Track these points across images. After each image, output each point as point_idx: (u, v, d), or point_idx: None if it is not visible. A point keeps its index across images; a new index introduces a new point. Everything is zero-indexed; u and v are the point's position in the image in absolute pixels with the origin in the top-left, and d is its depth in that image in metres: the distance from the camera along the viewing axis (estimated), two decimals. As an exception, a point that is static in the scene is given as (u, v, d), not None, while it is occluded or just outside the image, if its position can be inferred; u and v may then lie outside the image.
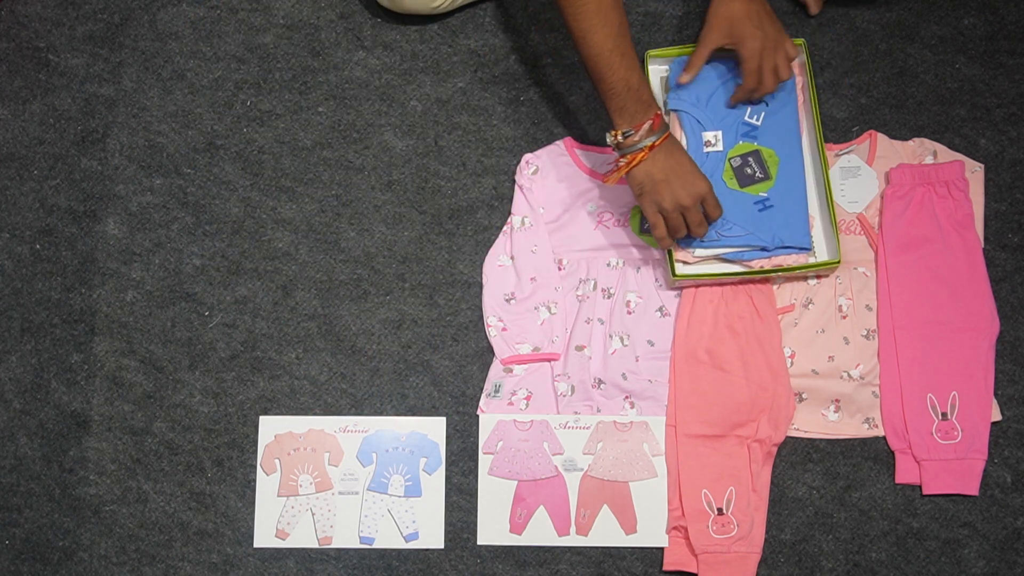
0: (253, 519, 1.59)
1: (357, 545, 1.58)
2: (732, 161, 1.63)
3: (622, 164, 1.52)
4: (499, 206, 1.70)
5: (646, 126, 1.49)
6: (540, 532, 1.58)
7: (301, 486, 1.60)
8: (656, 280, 1.65)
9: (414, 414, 1.63)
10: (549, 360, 1.63)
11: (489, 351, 1.64)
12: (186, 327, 1.66)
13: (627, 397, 1.61)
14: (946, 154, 1.69)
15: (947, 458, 1.58)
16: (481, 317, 1.65)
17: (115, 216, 1.70)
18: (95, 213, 1.70)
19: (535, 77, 1.74)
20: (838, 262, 1.60)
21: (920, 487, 1.59)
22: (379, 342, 1.65)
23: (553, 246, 1.66)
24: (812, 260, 1.63)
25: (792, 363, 1.61)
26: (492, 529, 1.58)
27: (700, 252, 1.60)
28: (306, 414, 1.63)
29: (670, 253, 1.60)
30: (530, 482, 1.59)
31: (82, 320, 1.66)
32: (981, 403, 1.59)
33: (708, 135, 1.63)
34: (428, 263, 1.68)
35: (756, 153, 1.63)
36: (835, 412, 1.61)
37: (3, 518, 1.60)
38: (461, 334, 1.65)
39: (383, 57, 1.75)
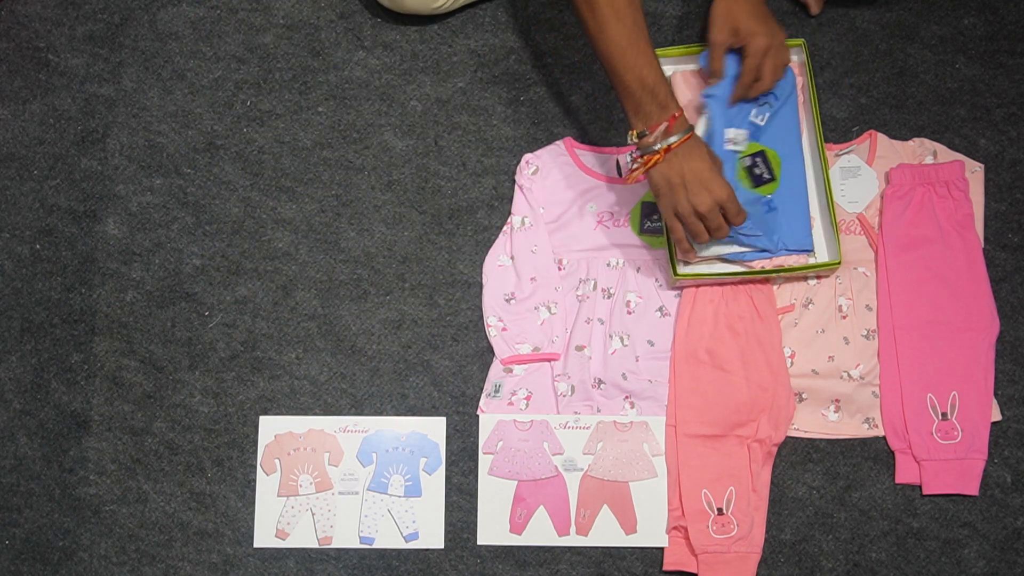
0: (253, 519, 1.59)
1: (357, 545, 1.58)
2: (743, 161, 1.63)
3: (638, 165, 1.49)
4: (499, 206, 1.70)
5: (661, 128, 1.46)
6: (540, 532, 1.58)
7: (301, 486, 1.60)
8: (656, 280, 1.65)
9: (414, 414, 1.63)
10: (549, 360, 1.63)
11: (489, 351, 1.64)
12: (186, 327, 1.66)
13: (627, 397, 1.61)
14: (946, 154, 1.69)
15: (947, 458, 1.58)
16: (481, 317, 1.65)
17: (115, 216, 1.70)
18: (95, 213, 1.70)
19: (535, 77, 1.74)
20: (838, 263, 1.60)
21: (920, 487, 1.59)
22: (379, 342, 1.65)
23: (553, 246, 1.66)
24: (812, 260, 1.63)
25: (792, 363, 1.61)
26: (492, 529, 1.58)
27: (710, 251, 1.59)
28: (306, 414, 1.63)
29: (671, 253, 1.60)
30: (530, 482, 1.59)
31: (82, 320, 1.66)
32: (981, 403, 1.59)
33: (731, 132, 1.61)
34: (428, 263, 1.68)
35: (762, 154, 1.63)
36: (835, 412, 1.61)
37: (3, 518, 1.60)
38: (461, 334, 1.65)
39: (383, 57, 1.75)
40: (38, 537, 1.60)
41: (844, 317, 1.63)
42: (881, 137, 1.70)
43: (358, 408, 1.63)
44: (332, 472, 1.60)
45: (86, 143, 1.72)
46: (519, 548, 1.58)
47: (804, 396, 1.61)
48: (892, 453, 1.60)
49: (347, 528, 1.59)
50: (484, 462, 1.60)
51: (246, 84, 1.74)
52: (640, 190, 1.69)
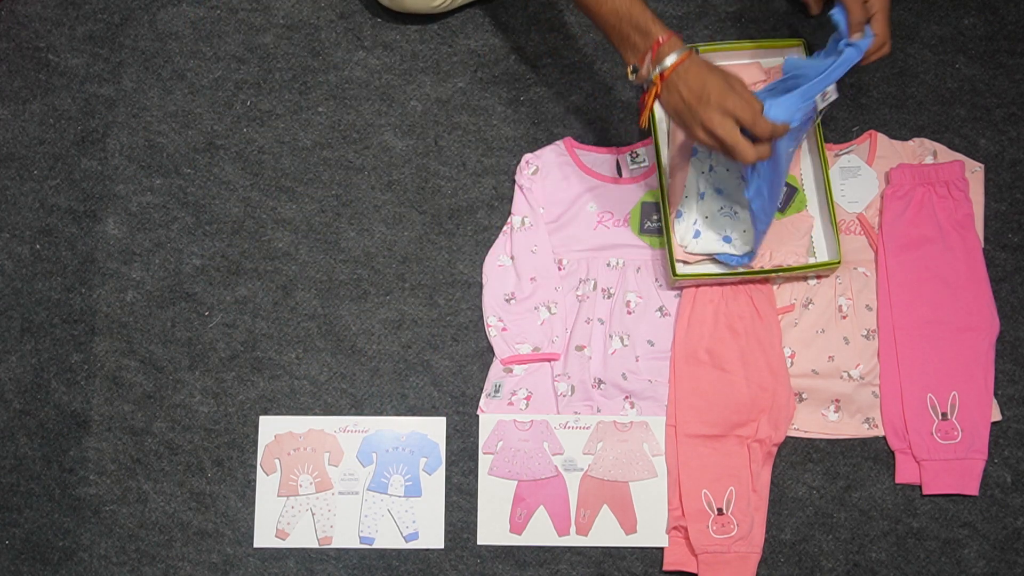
0: (253, 519, 1.59)
1: (357, 545, 1.58)
2: None
3: (644, 105, 1.41)
4: (499, 206, 1.70)
5: (648, 56, 1.38)
6: (540, 532, 1.58)
7: (301, 486, 1.60)
8: (656, 280, 1.65)
9: (414, 414, 1.63)
10: (549, 360, 1.63)
11: (489, 351, 1.64)
12: (186, 327, 1.66)
13: (627, 397, 1.61)
14: (946, 154, 1.69)
15: (947, 458, 1.58)
16: (481, 317, 1.65)
17: (115, 216, 1.70)
18: (95, 213, 1.70)
19: (535, 77, 1.74)
20: (838, 262, 1.60)
21: (920, 487, 1.59)
22: (379, 342, 1.65)
23: (553, 246, 1.66)
24: (812, 260, 1.63)
25: (792, 363, 1.61)
26: (492, 529, 1.58)
27: (703, 246, 1.56)
28: (306, 414, 1.63)
29: (670, 253, 1.60)
30: (530, 482, 1.59)
31: (82, 320, 1.66)
32: (981, 403, 1.59)
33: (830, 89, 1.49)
34: (428, 263, 1.68)
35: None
36: (835, 412, 1.61)
37: (3, 518, 1.60)
38: (461, 334, 1.65)
39: (383, 57, 1.75)
40: (38, 537, 1.60)
41: (844, 317, 1.62)
42: (881, 137, 1.70)
43: (358, 408, 1.63)
44: (332, 472, 1.60)
45: (86, 143, 1.72)
46: (519, 548, 1.58)
47: (804, 396, 1.61)
48: (892, 453, 1.60)
49: (347, 528, 1.59)
50: (484, 462, 1.60)
51: (246, 84, 1.74)
52: (640, 190, 1.69)
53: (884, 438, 1.61)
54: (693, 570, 1.56)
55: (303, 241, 1.69)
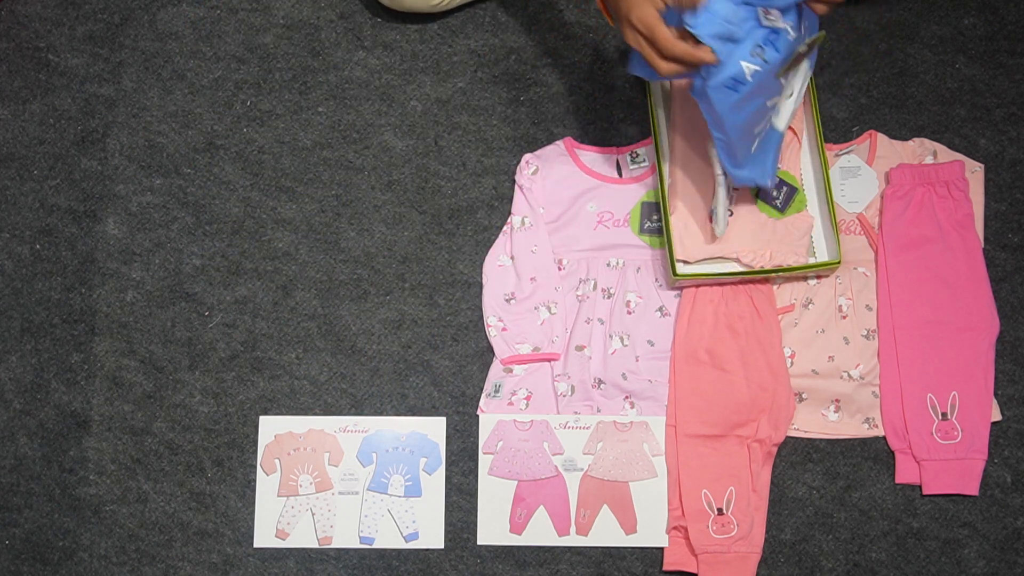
0: (253, 519, 1.59)
1: (357, 545, 1.58)
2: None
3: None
4: (499, 206, 1.70)
5: None
6: (540, 532, 1.58)
7: (301, 486, 1.60)
8: (656, 280, 1.65)
9: (414, 414, 1.63)
10: (549, 360, 1.63)
11: (489, 351, 1.64)
12: (186, 327, 1.66)
13: (627, 397, 1.61)
14: (946, 154, 1.69)
15: (947, 458, 1.58)
16: (481, 317, 1.65)
17: (115, 216, 1.70)
18: (95, 213, 1.70)
19: (535, 77, 1.74)
20: (838, 262, 1.60)
21: (920, 487, 1.59)
22: (379, 342, 1.65)
23: (553, 246, 1.66)
24: (812, 260, 1.63)
25: (792, 363, 1.61)
26: (492, 529, 1.58)
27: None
28: (306, 414, 1.63)
29: (671, 253, 1.60)
30: (530, 482, 1.59)
31: (82, 320, 1.66)
32: (981, 403, 1.59)
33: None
34: (428, 263, 1.68)
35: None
36: (835, 412, 1.61)
37: (3, 518, 1.60)
38: (461, 334, 1.65)
39: (383, 57, 1.75)
40: (38, 537, 1.60)
41: (844, 317, 1.63)
42: (881, 137, 1.70)
43: (358, 408, 1.63)
44: (332, 472, 1.60)
45: (86, 143, 1.72)
46: (519, 548, 1.58)
47: (804, 396, 1.61)
48: (892, 453, 1.60)
49: (347, 528, 1.59)
50: (484, 462, 1.60)
51: (246, 84, 1.74)
52: (640, 190, 1.69)
53: (884, 438, 1.61)
54: (693, 570, 1.56)
55: (303, 241, 1.69)
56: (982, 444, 1.58)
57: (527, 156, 1.69)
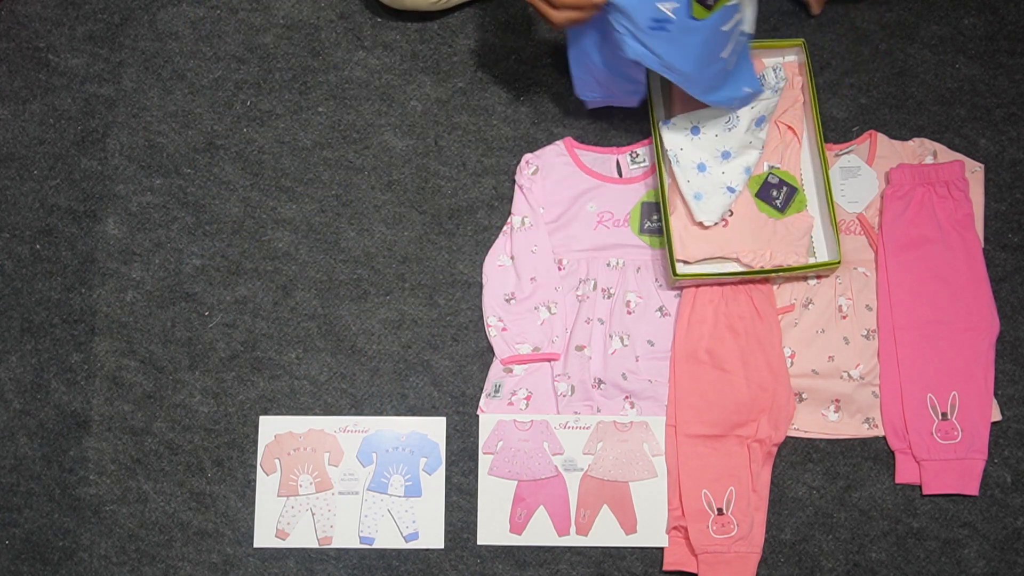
0: (253, 519, 1.59)
1: (357, 545, 1.58)
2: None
3: None
4: (499, 206, 1.70)
5: None
6: (540, 532, 1.58)
7: (301, 486, 1.60)
8: (656, 280, 1.65)
9: (414, 414, 1.63)
10: (549, 360, 1.63)
11: (489, 351, 1.64)
12: (186, 327, 1.66)
13: (627, 397, 1.61)
14: (946, 154, 1.69)
15: (947, 458, 1.58)
16: (481, 317, 1.65)
17: (115, 216, 1.70)
18: (95, 213, 1.70)
19: (535, 77, 1.74)
20: (838, 262, 1.60)
21: (920, 487, 1.59)
22: (379, 342, 1.65)
23: (553, 246, 1.66)
24: (812, 260, 1.63)
25: (792, 363, 1.61)
26: (492, 529, 1.58)
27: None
28: (306, 414, 1.63)
29: (670, 253, 1.60)
30: (530, 482, 1.59)
31: (82, 320, 1.66)
32: (981, 403, 1.59)
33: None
34: (428, 263, 1.68)
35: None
36: (835, 412, 1.61)
37: (3, 518, 1.60)
38: (461, 334, 1.65)
39: (383, 57, 1.75)
40: (38, 537, 1.60)
41: (844, 317, 1.63)
42: (881, 137, 1.70)
43: (358, 408, 1.63)
44: (332, 472, 1.60)
45: (86, 143, 1.72)
46: (519, 548, 1.58)
47: (804, 396, 1.61)
48: (892, 453, 1.60)
49: (347, 528, 1.59)
50: (484, 462, 1.60)
51: (246, 84, 1.74)
52: (640, 190, 1.69)
53: (884, 438, 1.61)
54: (693, 570, 1.56)
55: (303, 241, 1.69)
56: (982, 444, 1.58)
57: (527, 156, 1.69)
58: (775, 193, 1.64)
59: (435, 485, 1.60)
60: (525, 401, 1.61)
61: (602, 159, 1.70)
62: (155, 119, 1.73)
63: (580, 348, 1.61)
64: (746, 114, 1.60)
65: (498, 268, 1.67)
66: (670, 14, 1.38)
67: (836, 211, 1.63)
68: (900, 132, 1.71)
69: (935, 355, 1.60)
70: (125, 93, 1.75)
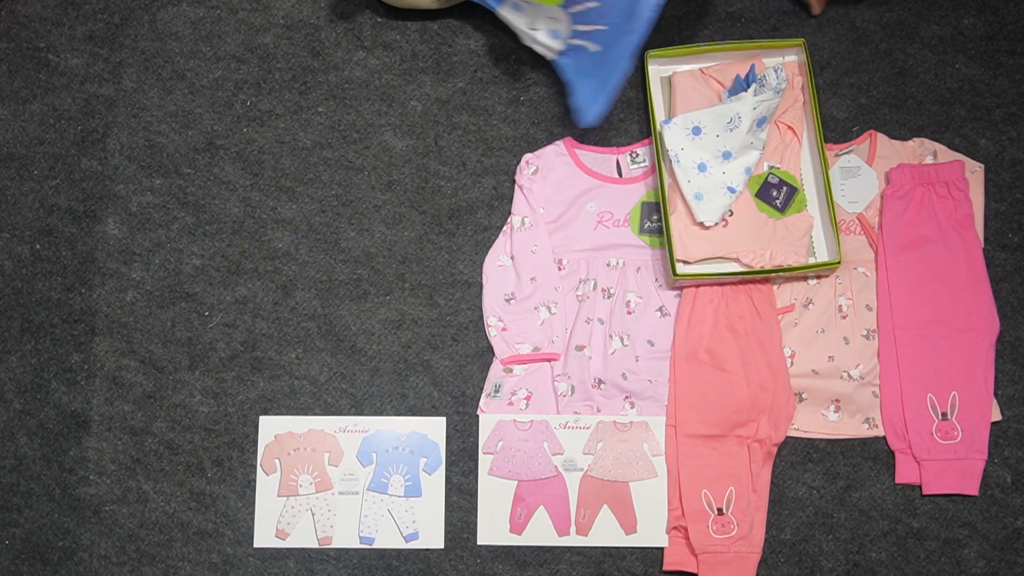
0: (253, 519, 1.59)
1: (357, 545, 1.58)
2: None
3: None
4: (499, 206, 1.70)
5: None
6: (540, 532, 1.58)
7: (301, 486, 1.60)
8: (656, 280, 1.65)
9: (414, 414, 1.63)
10: (549, 360, 1.63)
11: (489, 351, 1.64)
12: (186, 327, 1.66)
13: (627, 397, 1.61)
14: (946, 154, 1.69)
15: (947, 458, 1.58)
16: (481, 317, 1.65)
17: (115, 216, 1.70)
18: (95, 213, 1.70)
19: (535, 77, 1.74)
20: (838, 262, 1.60)
21: (920, 487, 1.59)
22: (379, 342, 1.65)
23: (553, 246, 1.66)
24: (812, 260, 1.64)
25: (792, 363, 1.61)
26: (492, 529, 1.58)
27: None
28: (306, 414, 1.63)
29: (670, 253, 1.60)
30: (530, 482, 1.59)
31: (82, 320, 1.66)
32: (981, 403, 1.59)
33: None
34: (428, 263, 1.68)
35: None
36: (835, 412, 1.61)
37: (3, 518, 1.60)
38: (461, 334, 1.65)
39: (383, 57, 1.75)
40: (38, 537, 1.60)
41: (844, 317, 1.63)
42: (881, 137, 1.70)
43: (358, 408, 1.63)
44: (332, 472, 1.60)
45: (86, 143, 1.72)
46: (519, 548, 1.58)
47: (804, 396, 1.61)
48: (892, 453, 1.60)
49: (347, 528, 1.59)
50: (484, 462, 1.60)
51: (246, 84, 1.74)
52: (640, 190, 1.69)
53: (884, 438, 1.61)
54: (693, 570, 1.56)
55: (303, 241, 1.69)
56: (982, 444, 1.58)
57: (527, 156, 1.69)
58: (775, 193, 1.64)
59: (435, 485, 1.60)
60: (525, 401, 1.61)
61: (602, 159, 1.70)
62: (155, 119, 1.73)
63: (580, 348, 1.61)
64: (748, 115, 1.60)
65: (498, 268, 1.67)
66: None
67: (836, 211, 1.63)
68: (900, 132, 1.71)
69: (935, 355, 1.60)
70: (125, 93, 1.75)
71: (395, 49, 1.76)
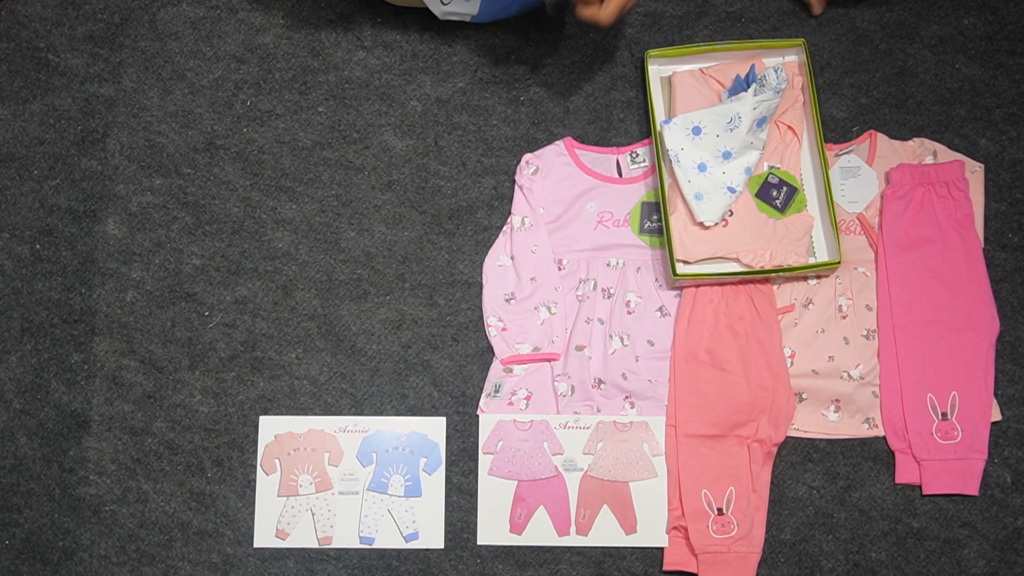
0: (253, 519, 1.59)
1: (357, 545, 1.58)
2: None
3: None
4: (499, 206, 1.70)
5: None
6: (540, 532, 1.58)
7: (301, 486, 1.60)
8: (656, 280, 1.65)
9: (414, 414, 1.63)
10: (549, 360, 1.63)
11: (489, 351, 1.64)
12: (186, 327, 1.66)
13: (627, 397, 1.61)
14: (946, 154, 1.69)
15: (947, 458, 1.58)
16: (481, 317, 1.65)
17: (115, 216, 1.70)
18: (95, 213, 1.70)
19: (535, 77, 1.74)
20: (838, 262, 1.60)
21: (920, 487, 1.59)
22: (379, 342, 1.65)
23: (553, 246, 1.66)
24: (812, 260, 1.64)
25: (792, 363, 1.61)
26: (492, 529, 1.58)
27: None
28: (306, 414, 1.63)
29: (670, 253, 1.60)
30: (530, 482, 1.59)
31: (82, 320, 1.66)
32: (981, 403, 1.59)
33: None
34: (428, 263, 1.68)
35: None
36: (835, 412, 1.61)
37: (3, 518, 1.60)
38: (461, 334, 1.65)
39: (383, 57, 1.75)
40: (38, 537, 1.60)
41: (844, 317, 1.63)
42: (881, 137, 1.70)
43: (358, 408, 1.63)
44: (332, 472, 1.60)
45: (86, 143, 1.72)
46: (519, 548, 1.58)
47: (804, 396, 1.61)
48: (892, 453, 1.60)
49: (347, 528, 1.59)
50: (484, 462, 1.60)
51: (246, 84, 1.74)
52: (640, 190, 1.69)
53: (884, 438, 1.61)
54: (693, 570, 1.56)
55: (303, 241, 1.69)
56: (982, 444, 1.58)
57: (527, 156, 1.69)
58: (775, 193, 1.64)
59: (435, 485, 1.60)
60: (525, 401, 1.61)
61: (602, 159, 1.70)
62: (155, 119, 1.73)
63: (580, 348, 1.61)
64: (748, 115, 1.60)
65: (498, 268, 1.67)
66: None
67: (836, 211, 1.63)
68: (900, 132, 1.71)
69: (935, 355, 1.60)
70: (125, 93, 1.75)
71: (395, 49, 1.76)
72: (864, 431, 1.61)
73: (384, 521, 1.59)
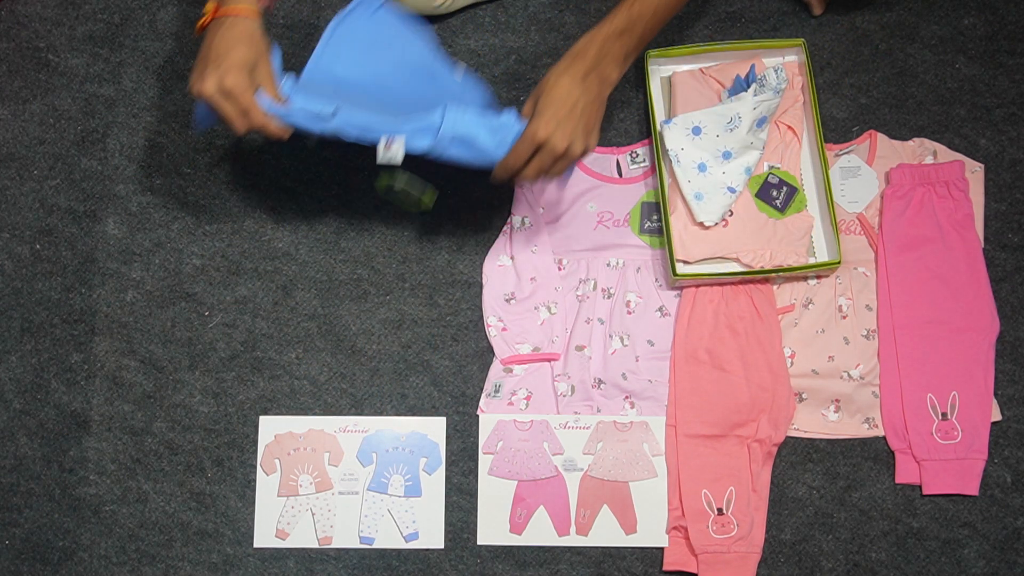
0: (253, 519, 1.59)
1: (357, 545, 1.58)
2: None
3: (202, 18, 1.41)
4: (499, 206, 1.70)
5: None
6: (540, 532, 1.58)
7: (301, 486, 1.60)
8: (656, 280, 1.65)
9: (414, 414, 1.63)
10: (549, 360, 1.63)
11: (489, 351, 1.64)
12: (186, 327, 1.66)
13: (627, 397, 1.61)
14: (946, 154, 1.69)
15: (947, 458, 1.58)
16: (481, 317, 1.65)
17: (115, 216, 1.70)
18: (95, 213, 1.70)
19: (535, 77, 1.74)
20: (838, 262, 1.60)
21: (920, 487, 1.59)
22: (379, 342, 1.65)
23: (553, 246, 1.66)
24: (812, 260, 1.64)
25: (792, 363, 1.61)
26: (492, 529, 1.58)
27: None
28: (306, 414, 1.63)
29: (670, 253, 1.60)
30: (530, 482, 1.59)
31: (82, 320, 1.66)
32: (981, 403, 1.59)
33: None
34: (428, 263, 1.68)
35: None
36: (835, 412, 1.61)
37: (3, 518, 1.60)
38: (461, 334, 1.65)
39: (383, 57, 1.75)
40: (38, 537, 1.60)
41: (844, 317, 1.63)
42: (881, 137, 1.70)
43: (358, 408, 1.63)
44: (332, 472, 1.60)
45: (86, 143, 1.72)
46: (519, 548, 1.58)
47: (804, 396, 1.61)
48: (892, 453, 1.60)
49: (347, 528, 1.59)
50: (484, 462, 1.60)
51: (246, 84, 1.74)
52: (640, 190, 1.69)
53: (884, 438, 1.61)
54: (693, 570, 1.56)
55: (303, 241, 1.69)
56: (982, 444, 1.58)
57: (527, 156, 1.69)
58: (775, 193, 1.64)
59: (435, 485, 1.60)
60: (525, 401, 1.61)
61: (602, 159, 1.70)
62: (155, 119, 1.73)
63: (580, 348, 1.61)
64: (748, 115, 1.60)
65: (498, 268, 1.67)
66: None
67: (836, 211, 1.63)
68: (900, 132, 1.71)
69: (935, 355, 1.60)
70: (125, 93, 1.75)
71: (395, 49, 1.75)
72: (864, 431, 1.61)
73: (384, 521, 1.59)
